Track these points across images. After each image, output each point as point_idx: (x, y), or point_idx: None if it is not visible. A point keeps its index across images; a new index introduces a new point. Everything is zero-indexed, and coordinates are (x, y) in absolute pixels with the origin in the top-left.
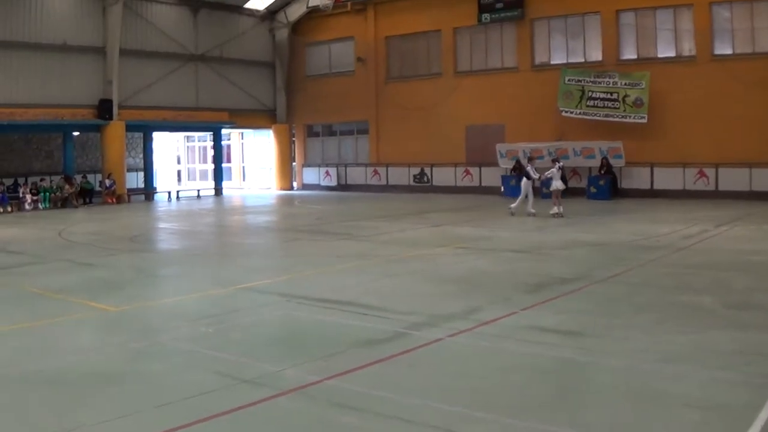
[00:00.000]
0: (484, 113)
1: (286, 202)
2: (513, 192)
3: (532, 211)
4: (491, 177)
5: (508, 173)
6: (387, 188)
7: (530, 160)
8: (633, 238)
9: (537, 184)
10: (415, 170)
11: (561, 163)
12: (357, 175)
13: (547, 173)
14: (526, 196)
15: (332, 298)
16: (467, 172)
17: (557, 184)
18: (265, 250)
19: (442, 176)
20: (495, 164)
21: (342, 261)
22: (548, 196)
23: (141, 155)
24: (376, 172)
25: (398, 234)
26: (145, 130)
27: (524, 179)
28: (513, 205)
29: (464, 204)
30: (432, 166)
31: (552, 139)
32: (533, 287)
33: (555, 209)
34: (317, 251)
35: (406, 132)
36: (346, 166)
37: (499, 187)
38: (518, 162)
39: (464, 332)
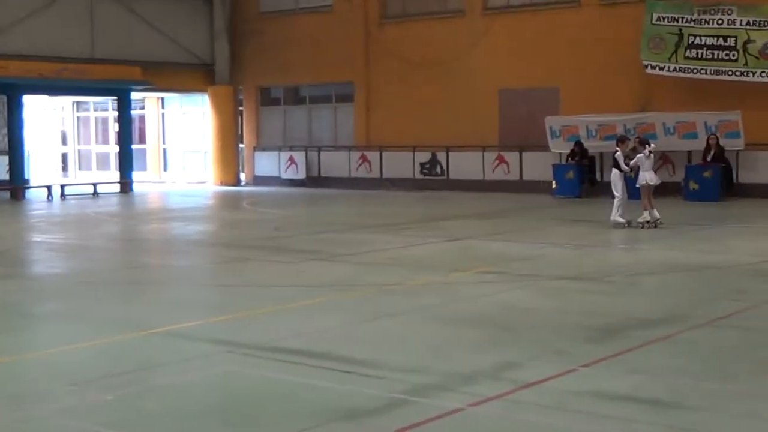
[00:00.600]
0: (527, 71)
1: (229, 203)
2: (569, 188)
3: (621, 220)
4: (537, 167)
5: (565, 161)
6: (381, 183)
7: (620, 141)
8: (757, 260)
9: (631, 175)
10: (424, 157)
11: (652, 145)
12: (336, 163)
13: (632, 161)
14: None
15: (297, 348)
16: (500, 160)
17: (648, 177)
18: (197, 277)
19: (464, 166)
20: (543, 148)
21: (313, 293)
22: (634, 195)
23: (4, 132)
24: (364, 160)
25: (397, 252)
26: (8, 93)
27: (614, 171)
28: (616, 215)
29: (496, 207)
30: (448, 150)
31: (631, 110)
32: (599, 333)
33: (645, 215)
34: (276, 278)
35: (410, 99)
36: (319, 150)
37: (550, 183)
38: (579, 144)
39: (493, 399)
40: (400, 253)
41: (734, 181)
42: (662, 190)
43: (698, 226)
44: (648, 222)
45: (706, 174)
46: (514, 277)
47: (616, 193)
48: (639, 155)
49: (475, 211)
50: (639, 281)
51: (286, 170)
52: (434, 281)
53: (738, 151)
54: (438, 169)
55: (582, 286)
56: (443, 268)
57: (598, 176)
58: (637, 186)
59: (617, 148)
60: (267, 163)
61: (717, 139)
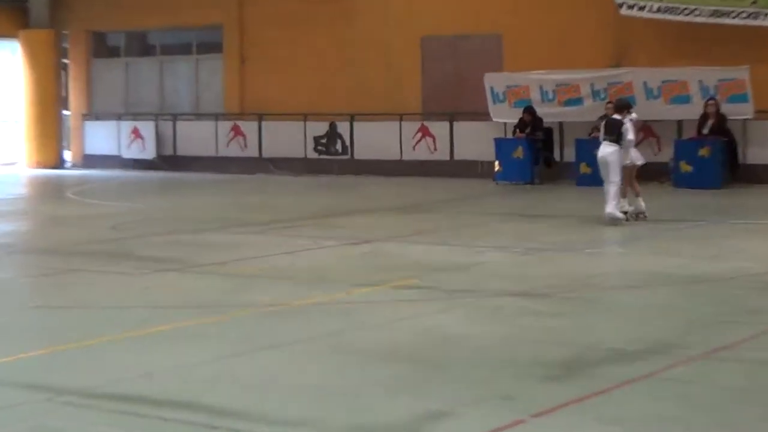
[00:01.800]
0: (458, 13)
1: (48, 193)
2: (517, 172)
3: (620, 215)
4: (473, 142)
5: (512, 134)
6: (260, 165)
7: (622, 108)
8: None
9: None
10: (319, 129)
11: (634, 115)
12: (199, 137)
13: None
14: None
15: (144, 394)
16: (424, 133)
17: (635, 155)
18: (5, 296)
19: (374, 141)
20: (482, 116)
21: (166, 316)
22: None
23: None
24: (237, 133)
25: (282, 260)
26: None
27: (611, 148)
28: (614, 207)
29: (418, 197)
30: (352, 120)
31: (601, 65)
32: (558, 369)
33: (625, 205)
34: (114, 296)
35: (300, 50)
36: (175, 119)
37: (491, 164)
38: (531, 111)
39: None
40: (287, 261)
41: (739, 161)
42: (644, 174)
43: (692, 223)
44: (633, 213)
45: (703, 152)
46: (442, 293)
47: (613, 179)
48: (626, 124)
49: (390, 203)
50: (612, 298)
51: (129, 147)
52: (332, 300)
53: (745, 120)
54: (338, 146)
55: (534, 305)
56: (345, 282)
57: (557, 155)
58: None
59: (617, 116)
60: (102, 138)
61: (717, 104)
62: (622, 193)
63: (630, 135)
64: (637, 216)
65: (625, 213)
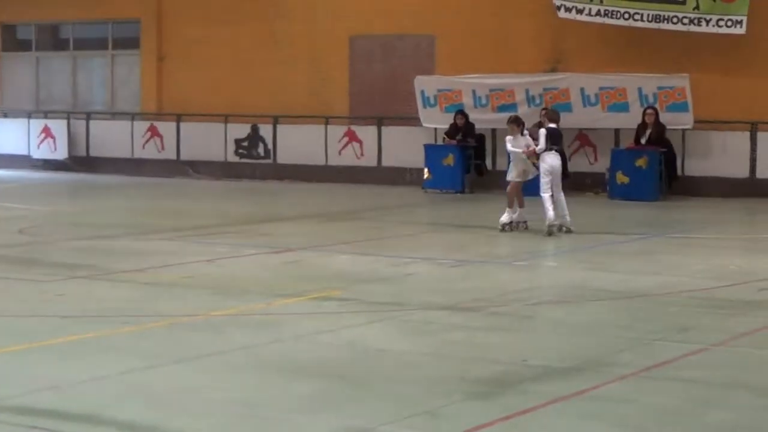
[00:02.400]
0: (390, 12)
1: None
2: (447, 179)
3: (554, 221)
4: (402, 148)
5: (442, 140)
6: (178, 168)
7: (556, 119)
8: (708, 285)
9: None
10: (241, 131)
11: (549, 126)
12: (113, 138)
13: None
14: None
15: (49, 408)
16: (351, 138)
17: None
18: None
19: (298, 145)
20: (411, 121)
21: (75, 326)
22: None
23: None
24: (154, 133)
25: (199, 268)
26: None
27: (558, 159)
28: (550, 217)
29: (343, 205)
30: (276, 122)
31: (538, 69)
32: (485, 386)
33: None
34: (20, 304)
35: (221, 47)
36: (88, 117)
37: (420, 171)
38: (463, 116)
39: None
40: (204, 270)
41: (678, 172)
42: (579, 184)
43: (627, 236)
44: (554, 225)
45: (640, 162)
46: (366, 305)
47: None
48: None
49: (313, 210)
50: (542, 313)
51: (38, 146)
52: (250, 311)
53: (684, 130)
54: (261, 149)
55: (461, 319)
56: (265, 293)
57: (489, 163)
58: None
59: (554, 125)
60: (10, 137)
61: (656, 113)
62: (509, 203)
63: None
64: (556, 228)
65: (510, 224)
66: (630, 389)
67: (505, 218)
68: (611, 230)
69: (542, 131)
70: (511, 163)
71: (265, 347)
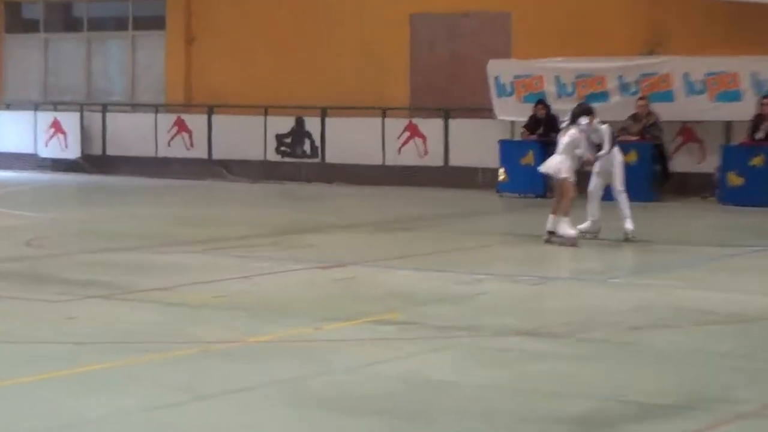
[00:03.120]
0: None
1: None
2: (525, 182)
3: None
4: (473, 145)
5: (521, 135)
6: (210, 169)
7: (585, 113)
8: None
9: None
10: (283, 125)
11: (607, 128)
12: (134, 134)
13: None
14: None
15: None
16: (412, 133)
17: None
18: None
19: (350, 142)
20: (483, 113)
21: (92, 354)
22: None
23: None
24: (182, 128)
25: (235, 286)
26: None
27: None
28: (627, 223)
29: (404, 212)
30: (324, 115)
31: (632, 52)
32: (575, 426)
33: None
34: (29, 328)
35: (260, 29)
36: (105, 109)
37: (495, 171)
38: (544, 107)
39: None
40: (239, 288)
41: None
42: (682, 188)
43: (742, 249)
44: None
45: (756, 161)
46: (430, 330)
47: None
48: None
49: (368, 218)
50: (640, 339)
51: (47, 144)
52: (294, 337)
53: None
54: (307, 147)
55: (544, 346)
56: (310, 316)
57: None
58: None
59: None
60: (14, 132)
61: None
62: (562, 210)
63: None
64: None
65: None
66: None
67: (582, 226)
68: (722, 242)
69: (606, 129)
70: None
71: (312, 380)
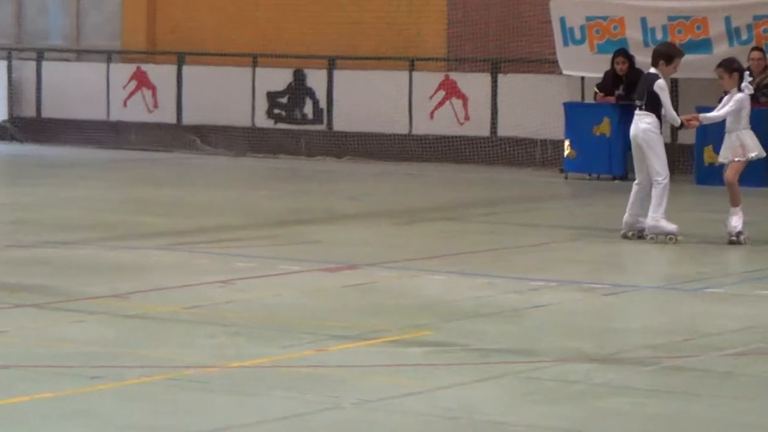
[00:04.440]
0: None
1: None
2: (599, 160)
3: (669, 227)
4: (530, 109)
5: (593, 97)
6: (178, 137)
7: (669, 57)
8: None
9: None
10: (276, 79)
11: (747, 83)
12: (79, 90)
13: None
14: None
15: None
16: (449, 91)
17: (752, 143)
18: None
19: (365, 103)
20: (544, 66)
21: (24, 381)
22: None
23: None
24: (142, 83)
25: (215, 292)
26: None
27: (647, 126)
28: (660, 215)
29: (436, 196)
30: (332, 66)
31: None
32: None
33: (735, 222)
34: None
35: None
36: (40, 57)
37: (560, 144)
38: (627, 59)
39: None
40: (218, 296)
41: None
42: None
43: None
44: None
45: None
46: (472, 354)
47: (656, 176)
48: (737, 96)
49: (389, 205)
50: (749, 368)
51: None
52: (292, 361)
53: None
54: (308, 109)
55: (623, 376)
56: (313, 332)
57: (666, 133)
58: (725, 162)
59: (656, 70)
60: None
61: None
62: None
63: (668, 108)
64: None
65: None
66: None
67: (736, 222)
68: None
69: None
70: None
71: (316, 417)
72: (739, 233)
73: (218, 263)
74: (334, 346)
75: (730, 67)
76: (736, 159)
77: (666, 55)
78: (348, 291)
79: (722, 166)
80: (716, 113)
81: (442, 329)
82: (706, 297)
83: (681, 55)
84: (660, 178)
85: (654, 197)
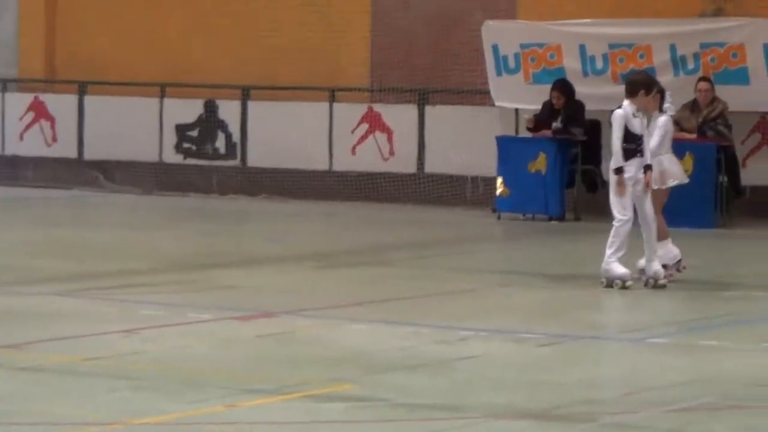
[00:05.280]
0: None
1: None
2: (534, 199)
3: (619, 270)
4: (461, 142)
5: (527, 128)
6: (79, 173)
7: (643, 87)
8: None
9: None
10: (186, 111)
11: (669, 104)
12: None
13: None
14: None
15: None
16: (373, 124)
17: (675, 169)
18: None
19: (283, 136)
20: (476, 97)
21: None
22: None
23: None
24: (40, 114)
25: (117, 343)
26: None
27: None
28: (613, 257)
29: (358, 238)
30: (246, 97)
31: (692, 12)
32: None
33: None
34: None
35: None
36: None
37: (492, 182)
38: (565, 88)
39: None
40: (120, 346)
41: None
42: (761, 207)
43: None
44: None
45: None
46: (396, 410)
47: (617, 214)
48: (661, 119)
49: (307, 247)
50: (695, 426)
51: None
52: (200, 418)
53: None
54: (220, 143)
55: None
56: (223, 387)
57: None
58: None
59: (628, 101)
60: None
61: None
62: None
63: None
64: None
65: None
66: None
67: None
68: None
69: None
70: None
71: None
72: (670, 272)
73: (121, 311)
74: (247, 402)
75: (650, 87)
76: (655, 187)
77: (646, 84)
78: (263, 341)
79: None
80: (652, 146)
81: (365, 383)
82: (647, 347)
83: (654, 83)
84: (616, 220)
85: (610, 237)
